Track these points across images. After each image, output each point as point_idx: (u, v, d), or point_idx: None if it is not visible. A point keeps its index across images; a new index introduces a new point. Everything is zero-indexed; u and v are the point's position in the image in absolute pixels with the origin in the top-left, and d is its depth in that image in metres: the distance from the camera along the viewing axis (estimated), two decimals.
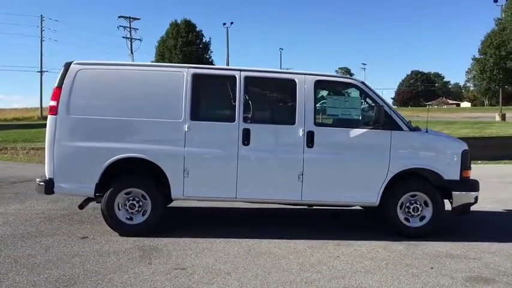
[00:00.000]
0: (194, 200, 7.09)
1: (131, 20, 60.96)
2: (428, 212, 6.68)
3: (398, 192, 6.65)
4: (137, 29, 62.41)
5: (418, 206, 6.67)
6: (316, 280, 4.91)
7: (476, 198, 6.79)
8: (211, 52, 60.14)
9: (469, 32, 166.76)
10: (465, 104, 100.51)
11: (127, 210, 6.48)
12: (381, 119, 6.46)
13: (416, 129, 6.85)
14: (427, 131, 6.95)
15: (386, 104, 6.80)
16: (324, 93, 6.84)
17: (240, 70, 6.68)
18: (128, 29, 60.70)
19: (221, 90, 6.83)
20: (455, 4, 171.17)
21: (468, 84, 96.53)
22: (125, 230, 6.47)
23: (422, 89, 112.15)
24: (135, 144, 6.43)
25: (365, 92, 6.81)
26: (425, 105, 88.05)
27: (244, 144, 6.46)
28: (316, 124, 6.56)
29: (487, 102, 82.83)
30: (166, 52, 58.17)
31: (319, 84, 6.71)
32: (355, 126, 6.66)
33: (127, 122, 6.46)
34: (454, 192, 6.66)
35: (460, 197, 6.70)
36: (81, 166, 6.42)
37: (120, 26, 60.79)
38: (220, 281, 4.82)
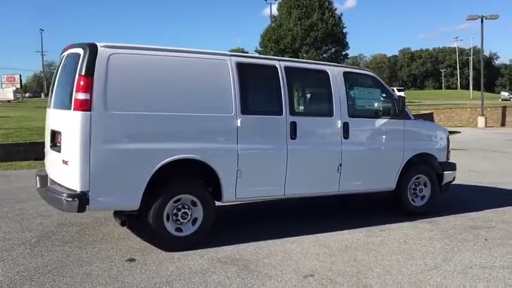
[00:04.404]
0: (243, 201, 6.43)
1: None
2: (427, 192, 7.52)
3: (409, 176, 7.30)
4: None
5: (422, 187, 7.45)
6: (439, 265, 5.15)
7: (454, 177, 7.92)
8: None
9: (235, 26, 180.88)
10: None
11: (176, 220, 5.55)
12: (404, 108, 6.96)
13: (416, 118, 7.58)
14: (424, 120, 7.76)
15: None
16: (350, 84, 6.96)
17: (279, 60, 6.31)
18: None
19: (264, 81, 6.32)
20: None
21: None
22: (174, 243, 5.51)
23: None
24: (184, 144, 5.48)
25: (380, 84, 7.22)
26: None
27: (292, 138, 6.17)
28: (350, 115, 6.68)
29: None
30: None
31: (346, 76, 6.82)
32: (378, 117, 7.00)
33: (175, 118, 5.45)
34: (444, 172, 7.64)
35: (448, 176, 7.73)
36: (125, 174, 5.18)
37: None
38: (374, 281, 4.68)
